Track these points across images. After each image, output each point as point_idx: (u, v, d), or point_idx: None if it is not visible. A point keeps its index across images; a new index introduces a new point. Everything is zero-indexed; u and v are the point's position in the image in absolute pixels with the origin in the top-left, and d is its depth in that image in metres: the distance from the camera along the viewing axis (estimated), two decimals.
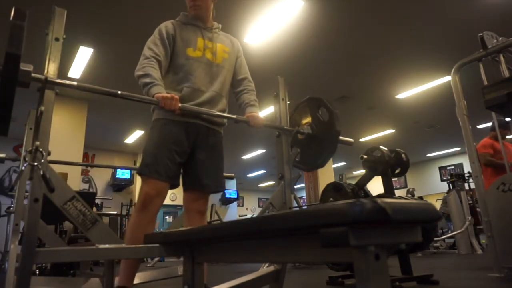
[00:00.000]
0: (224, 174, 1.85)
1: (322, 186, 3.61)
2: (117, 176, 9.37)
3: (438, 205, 7.40)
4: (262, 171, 13.18)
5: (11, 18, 1.04)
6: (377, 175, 2.87)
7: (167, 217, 11.96)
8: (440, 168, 12.26)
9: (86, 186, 9.19)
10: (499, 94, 2.40)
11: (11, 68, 1.04)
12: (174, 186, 1.65)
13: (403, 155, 2.93)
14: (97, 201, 6.69)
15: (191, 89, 1.68)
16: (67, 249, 1.39)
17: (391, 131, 8.94)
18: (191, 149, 1.69)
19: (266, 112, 6.94)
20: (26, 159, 1.20)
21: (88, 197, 4.07)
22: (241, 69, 1.93)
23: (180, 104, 1.53)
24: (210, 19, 1.89)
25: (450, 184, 6.45)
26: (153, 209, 1.57)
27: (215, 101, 1.74)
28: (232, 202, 13.57)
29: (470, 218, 5.52)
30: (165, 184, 1.59)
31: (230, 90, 1.92)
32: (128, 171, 9.47)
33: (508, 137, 4.01)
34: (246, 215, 15.09)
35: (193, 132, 1.68)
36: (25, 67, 1.12)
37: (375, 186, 2.95)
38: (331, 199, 2.75)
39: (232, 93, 1.94)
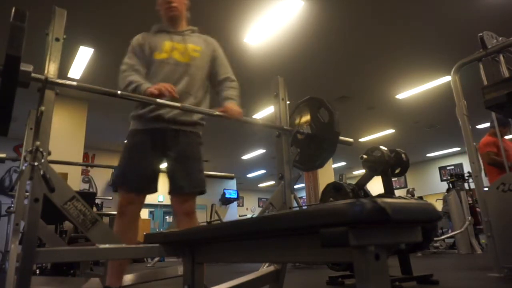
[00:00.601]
0: (223, 174, 1.85)
1: (322, 186, 3.62)
2: None
3: (438, 205, 7.39)
4: (262, 171, 13.18)
5: (11, 19, 1.04)
6: (377, 175, 2.87)
7: (167, 217, 11.97)
8: (440, 168, 12.26)
9: (86, 186, 9.19)
10: (499, 94, 2.40)
11: (11, 69, 1.04)
12: (150, 192, 1.71)
13: (403, 155, 2.93)
14: (97, 201, 6.68)
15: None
16: (67, 249, 1.39)
17: (391, 131, 8.94)
18: (164, 154, 1.71)
19: (266, 112, 6.95)
20: (27, 159, 1.20)
21: (88, 197, 4.07)
22: (220, 69, 1.90)
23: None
24: (184, 22, 1.91)
25: (450, 184, 6.45)
26: (129, 216, 1.66)
27: (181, 100, 1.70)
28: (232, 202, 13.57)
29: (470, 218, 5.52)
30: (134, 193, 1.67)
31: (212, 89, 1.92)
32: None
33: (506, 137, 4.00)
34: (246, 215, 15.10)
35: (160, 137, 1.70)
36: (25, 67, 1.12)
37: (375, 186, 2.95)
38: (331, 199, 2.75)
39: (214, 93, 1.93)
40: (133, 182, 1.65)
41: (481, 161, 3.13)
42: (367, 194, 2.96)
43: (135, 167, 1.66)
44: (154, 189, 1.72)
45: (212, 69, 1.89)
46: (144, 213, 10.85)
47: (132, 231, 1.65)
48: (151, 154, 1.69)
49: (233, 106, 1.74)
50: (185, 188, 1.70)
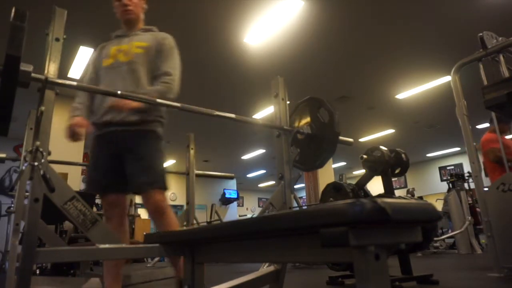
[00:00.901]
0: (223, 174, 1.83)
1: (322, 186, 3.62)
2: None
3: (438, 205, 7.40)
4: (262, 171, 13.17)
5: (11, 18, 1.04)
6: (377, 175, 2.87)
7: None
8: (440, 168, 12.26)
9: None
10: (499, 94, 2.40)
11: (11, 69, 1.04)
12: (120, 193, 1.73)
13: (403, 155, 2.93)
14: (97, 201, 6.67)
15: (98, 99, 1.74)
16: (67, 249, 1.39)
17: (391, 131, 8.94)
18: (121, 155, 1.71)
19: (266, 112, 6.94)
20: (27, 159, 1.20)
21: (88, 197, 4.05)
22: (162, 63, 1.79)
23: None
24: (140, 25, 1.92)
25: (450, 184, 6.45)
26: (112, 218, 1.71)
27: (124, 102, 1.62)
28: (232, 202, 13.58)
29: (470, 218, 5.52)
30: (104, 196, 1.72)
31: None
32: None
33: (506, 136, 4.00)
34: (246, 215, 15.10)
35: (111, 139, 1.72)
36: (25, 67, 1.12)
37: (375, 186, 2.95)
38: (331, 199, 2.75)
39: None
40: (98, 185, 1.72)
41: (481, 159, 3.13)
42: (367, 194, 2.96)
43: (96, 171, 1.73)
44: (122, 189, 1.72)
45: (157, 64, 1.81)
46: (144, 213, 10.85)
47: (121, 231, 1.67)
48: (109, 156, 1.72)
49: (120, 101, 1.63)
50: (142, 185, 1.65)
